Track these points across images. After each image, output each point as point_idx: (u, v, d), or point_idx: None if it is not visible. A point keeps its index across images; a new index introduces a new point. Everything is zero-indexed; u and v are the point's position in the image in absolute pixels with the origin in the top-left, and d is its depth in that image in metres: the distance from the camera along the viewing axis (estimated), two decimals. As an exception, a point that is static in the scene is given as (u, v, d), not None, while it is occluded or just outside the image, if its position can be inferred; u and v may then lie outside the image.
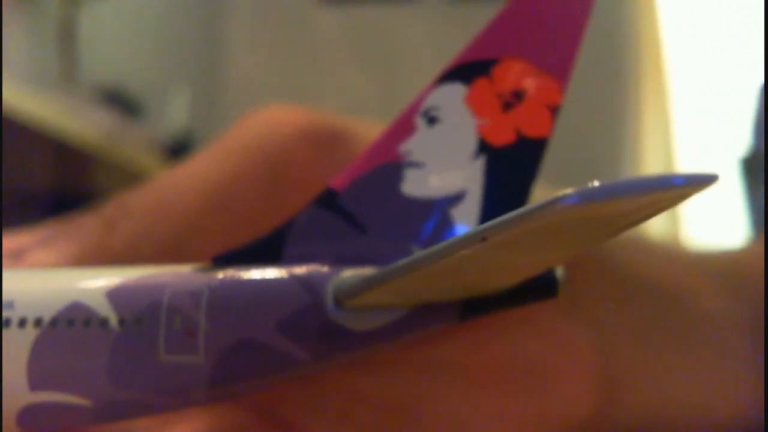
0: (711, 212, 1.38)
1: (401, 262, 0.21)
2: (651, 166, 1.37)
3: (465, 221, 0.23)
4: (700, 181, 0.18)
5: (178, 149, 1.39)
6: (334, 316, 0.22)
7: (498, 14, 0.24)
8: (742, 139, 1.28)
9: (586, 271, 0.35)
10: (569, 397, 0.33)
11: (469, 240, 0.20)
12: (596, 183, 0.18)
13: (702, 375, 0.36)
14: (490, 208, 0.23)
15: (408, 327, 0.23)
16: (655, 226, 1.35)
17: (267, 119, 0.34)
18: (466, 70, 0.24)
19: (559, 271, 0.22)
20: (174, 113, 1.45)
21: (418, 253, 0.21)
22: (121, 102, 1.38)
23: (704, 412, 0.36)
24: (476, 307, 0.23)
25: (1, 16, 1.18)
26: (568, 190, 0.18)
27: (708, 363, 0.36)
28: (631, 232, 0.41)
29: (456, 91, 0.24)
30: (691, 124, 1.39)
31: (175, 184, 0.32)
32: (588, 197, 0.18)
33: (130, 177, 1.11)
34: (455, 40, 1.26)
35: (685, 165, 1.39)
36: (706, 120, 1.39)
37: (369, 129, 0.35)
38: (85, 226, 0.31)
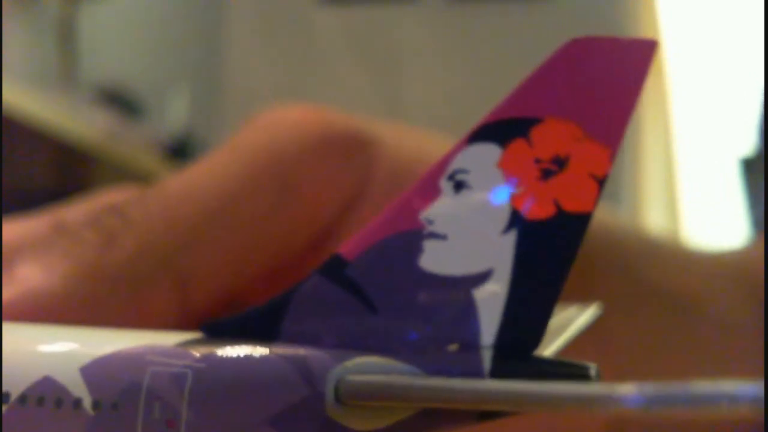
0: (711, 212, 1.37)
1: (419, 384, 0.19)
2: (651, 166, 1.37)
3: (490, 305, 0.20)
4: None
5: (178, 149, 1.39)
6: (334, 413, 0.20)
7: (543, 65, 0.20)
8: (745, 139, 1.28)
9: (598, 276, 0.34)
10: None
11: (496, 396, 0.19)
12: (665, 387, 0.16)
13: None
14: (519, 292, 0.20)
15: (418, 427, 0.20)
16: (655, 226, 1.35)
17: (280, 121, 0.31)
18: (502, 129, 0.20)
19: (593, 370, 0.20)
20: (174, 113, 1.45)
21: (438, 383, 0.19)
22: (121, 102, 1.37)
23: (708, 421, 0.35)
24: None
25: (1, 16, 1.18)
26: (631, 389, 0.16)
27: (718, 370, 0.36)
28: (644, 238, 0.41)
29: (489, 153, 0.20)
30: (691, 124, 1.39)
31: (180, 193, 0.29)
32: (659, 403, 0.16)
33: (130, 177, 1.11)
34: (455, 40, 1.26)
35: (685, 165, 1.39)
36: (706, 120, 1.39)
37: (396, 135, 0.33)
38: (82, 240, 0.28)
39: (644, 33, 1.32)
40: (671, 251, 0.41)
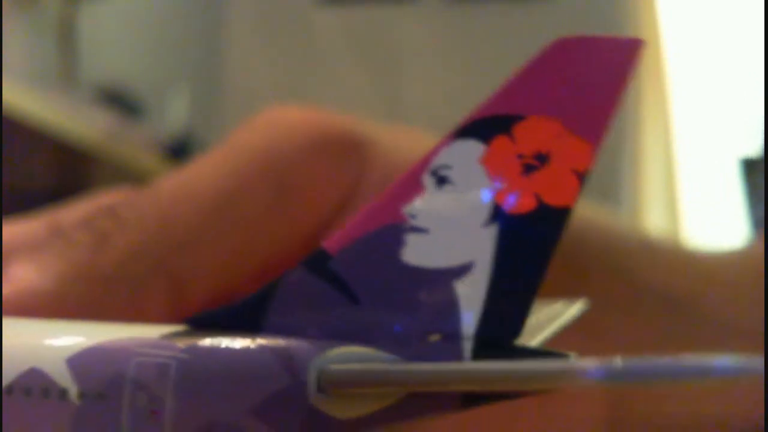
0: (711, 212, 1.37)
1: (398, 369, 0.20)
2: (651, 166, 1.37)
3: (470, 297, 0.21)
4: (742, 371, 0.16)
5: (178, 149, 1.39)
6: (316, 402, 0.20)
7: (526, 65, 0.21)
8: (745, 140, 1.28)
9: (593, 277, 0.34)
10: (576, 411, 0.33)
11: (465, 375, 0.19)
12: (621, 361, 0.17)
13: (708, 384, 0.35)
14: (499, 284, 0.20)
15: (402, 414, 0.21)
16: (655, 226, 1.35)
17: (275, 123, 0.31)
18: (486, 126, 0.21)
19: (573, 358, 0.20)
20: (174, 113, 1.45)
21: (417, 367, 0.20)
22: (121, 102, 1.37)
23: (709, 420, 0.35)
24: (481, 393, 0.21)
25: (1, 16, 1.18)
26: (591, 362, 0.17)
27: None
28: (643, 239, 0.41)
29: (472, 149, 0.21)
30: (691, 124, 1.39)
31: (174, 194, 0.29)
32: (615, 376, 0.16)
33: (130, 177, 1.11)
34: (455, 40, 1.26)
35: (685, 165, 1.39)
36: (706, 120, 1.39)
37: (391, 136, 0.33)
38: (76, 241, 0.28)
39: (644, 33, 1.32)
40: (670, 252, 0.41)
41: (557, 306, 0.26)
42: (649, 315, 0.36)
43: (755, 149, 1.22)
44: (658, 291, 0.37)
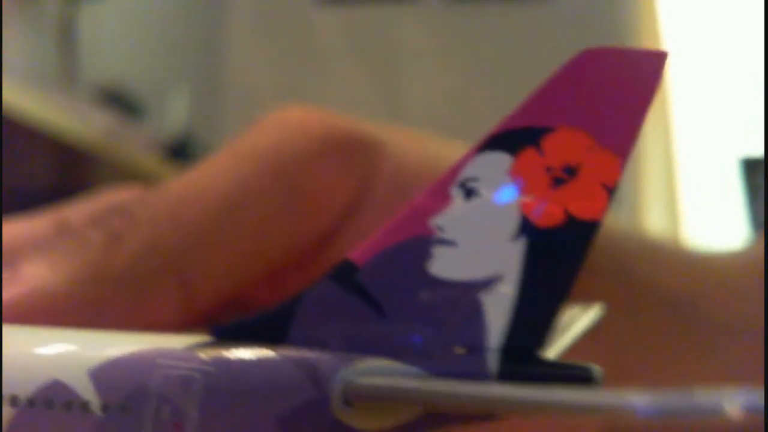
0: (711, 212, 1.38)
1: (426, 387, 0.20)
2: (651, 166, 1.37)
3: (497, 309, 0.21)
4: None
5: (178, 149, 1.39)
6: (340, 414, 0.20)
7: (553, 75, 0.21)
8: (745, 140, 1.28)
9: (597, 278, 0.34)
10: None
11: (503, 401, 0.19)
12: (675, 395, 0.17)
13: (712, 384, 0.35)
14: (526, 297, 0.21)
15: (426, 426, 0.21)
16: (655, 226, 1.35)
17: (285, 124, 0.31)
18: (513, 138, 0.21)
19: (597, 372, 0.20)
20: (174, 113, 1.45)
21: (445, 386, 0.20)
22: (121, 102, 1.37)
23: (709, 424, 0.35)
24: None
25: (1, 16, 1.18)
26: (640, 398, 0.17)
27: (718, 371, 0.36)
28: (643, 239, 0.41)
29: (499, 161, 0.21)
30: (691, 124, 1.39)
31: (184, 194, 0.29)
32: (666, 413, 0.16)
33: (130, 177, 1.11)
34: (455, 40, 1.26)
35: (685, 165, 1.39)
36: (706, 120, 1.39)
37: (399, 138, 0.33)
38: (87, 240, 0.28)
39: (644, 33, 1.32)
40: (670, 252, 0.41)
41: (573, 311, 0.26)
42: (649, 315, 0.36)
43: (755, 149, 1.23)
44: (658, 291, 0.37)
